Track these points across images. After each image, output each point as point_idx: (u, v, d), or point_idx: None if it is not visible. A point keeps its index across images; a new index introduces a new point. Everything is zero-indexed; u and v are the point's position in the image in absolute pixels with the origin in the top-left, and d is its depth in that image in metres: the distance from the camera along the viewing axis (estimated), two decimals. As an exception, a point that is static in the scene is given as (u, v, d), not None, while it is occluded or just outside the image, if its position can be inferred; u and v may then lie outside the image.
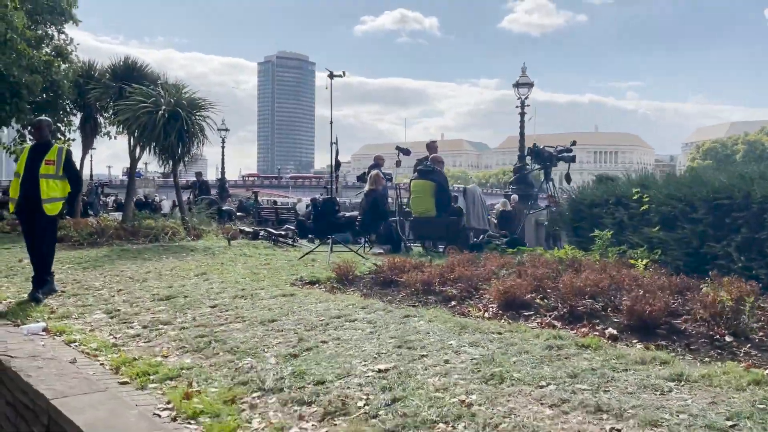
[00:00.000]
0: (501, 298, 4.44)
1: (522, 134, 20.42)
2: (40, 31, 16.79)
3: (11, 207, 6.69)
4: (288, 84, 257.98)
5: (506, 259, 6.21)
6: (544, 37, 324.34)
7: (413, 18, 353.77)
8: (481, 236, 9.01)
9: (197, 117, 12.75)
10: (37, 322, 5.39)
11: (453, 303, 4.86)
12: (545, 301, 4.55)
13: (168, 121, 12.25)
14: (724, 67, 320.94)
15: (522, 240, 8.93)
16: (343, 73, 8.28)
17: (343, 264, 6.23)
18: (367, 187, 9.63)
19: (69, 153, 6.66)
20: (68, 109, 17.93)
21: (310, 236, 12.33)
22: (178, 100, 12.52)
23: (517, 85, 20.20)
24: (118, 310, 5.73)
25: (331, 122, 8.45)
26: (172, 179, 14.65)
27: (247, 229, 11.64)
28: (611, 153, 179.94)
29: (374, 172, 9.88)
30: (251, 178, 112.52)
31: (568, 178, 9.79)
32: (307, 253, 8.41)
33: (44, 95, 16.64)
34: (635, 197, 6.77)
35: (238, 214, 21.48)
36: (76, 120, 18.36)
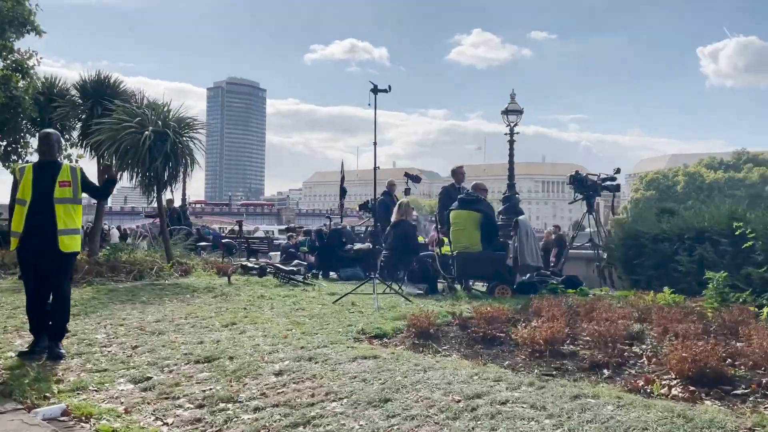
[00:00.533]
0: (688, 368, 3.44)
1: (511, 162, 19.80)
2: (-1, 42, 15.13)
3: (13, 243, 5.22)
4: (238, 110, 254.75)
5: (618, 309, 5.22)
6: (490, 70, 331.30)
7: (363, 48, 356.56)
8: (528, 275, 8.06)
9: (186, 138, 11.49)
10: (47, 397, 4.10)
11: (606, 372, 3.84)
12: (736, 370, 3.58)
13: (154, 143, 10.95)
14: (659, 102, 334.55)
15: (580, 279, 8.05)
16: (389, 87, 7.26)
17: (421, 314, 5.13)
18: (394, 218, 8.57)
19: (83, 171, 5.41)
20: (26, 129, 16.26)
21: (313, 271, 11.12)
22: (165, 120, 11.23)
23: (506, 112, 19.60)
24: (149, 377, 4.46)
25: (375, 143, 7.39)
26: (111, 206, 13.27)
27: (249, 264, 10.36)
28: (559, 183, 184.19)
29: (404, 200, 8.85)
30: (198, 205, 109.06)
31: (613, 210, 9.00)
32: (342, 296, 7.26)
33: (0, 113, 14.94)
34: (737, 232, 5.92)
35: (201, 244, 19.99)
36: (33, 141, 16.69)
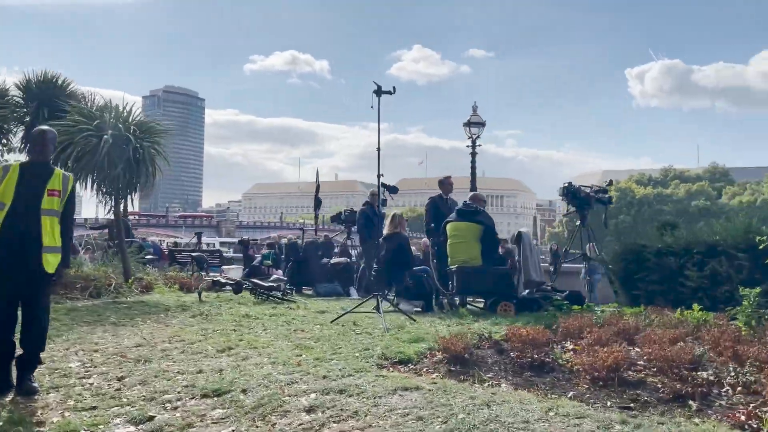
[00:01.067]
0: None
1: (473, 174, 19.61)
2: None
3: None
4: (175, 120, 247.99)
5: (673, 329, 4.87)
6: (430, 85, 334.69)
7: (304, 60, 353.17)
8: (528, 290, 7.69)
9: (148, 143, 10.64)
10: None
11: (693, 404, 3.44)
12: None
13: (113, 148, 10.07)
14: (591, 120, 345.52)
15: (582, 295, 7.73)
16: (393, 89, 6.80)
17: (453, 337, 4.63)
18: (387, 230, 8.07)
19: (74, 183, 4.67)
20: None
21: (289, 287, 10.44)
22: (126, 124, 10.36)
23: (468, 124, 19.41)
24: (151, 416, 3.79)
25: (378, 149, 6.89)
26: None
27: (222, 280, 9.61)
28: (497, 197, 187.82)
29: (397, 211, 8.35)
30: (133, 217, 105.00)
31: (606, 224, 8.77)
32: (341, 315, 6.68)
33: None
34: (762, 246, 5.69)
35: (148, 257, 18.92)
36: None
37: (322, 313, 7.44)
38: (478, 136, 19.60)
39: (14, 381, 4.42)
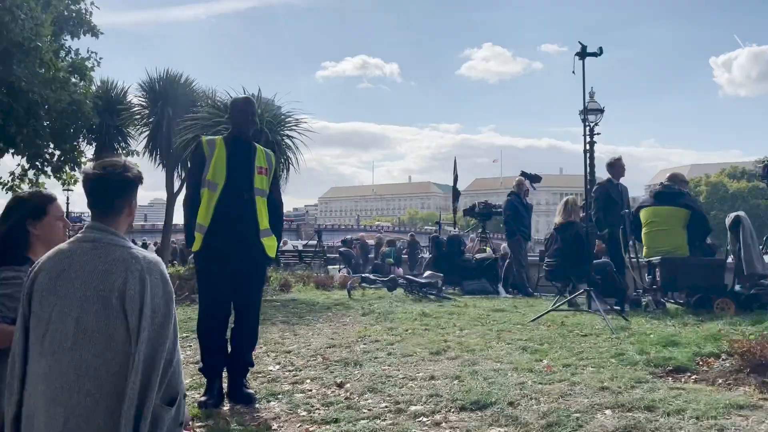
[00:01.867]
0: None
1: (592, 165, 18.34)
2: (57, 43, 13.83)
3: (197, 241, 3.69)
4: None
5: None
6: (502, 84, 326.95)
7: (374, 64, 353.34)
8: (739, 285, 6.60)
9: (280, 137, 10.22)
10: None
11: None
12: None
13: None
14: (673, 113, 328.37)
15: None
16: (600, 49, 6.10)
17: (751, 341, 3.75)
18: (559, 219, 7.20)
19: (276, 161, 4.15)
20: (82, 137, 14.94)
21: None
22: (261, 115, 9.97)
23: (585, 111, 18.19)
24: (419, 435, 3.11)
25: (585, 116, 6.10)
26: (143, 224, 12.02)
27: (372, 276, 9.04)
28: (577, 195, 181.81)
29: (570, 198, 7.45)
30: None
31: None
32: (543, 314, 5.89)
33: (58, 118, 13.48)
34: None
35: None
36: (89, 150, 15.40)
37: (500, 311, 6.68)
38: (596, 124, 18.37)
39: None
